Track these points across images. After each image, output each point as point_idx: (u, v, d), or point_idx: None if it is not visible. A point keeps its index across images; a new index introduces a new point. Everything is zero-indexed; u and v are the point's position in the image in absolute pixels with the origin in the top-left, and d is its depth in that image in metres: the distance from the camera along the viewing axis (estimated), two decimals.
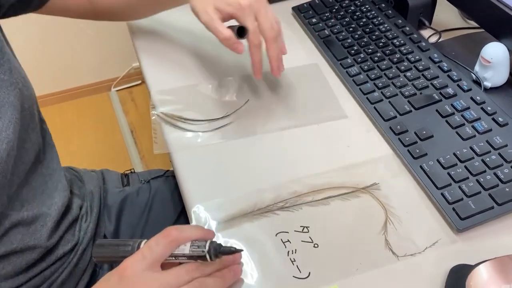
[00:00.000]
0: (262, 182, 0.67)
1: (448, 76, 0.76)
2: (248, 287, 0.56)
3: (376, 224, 0.61)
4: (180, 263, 0.53)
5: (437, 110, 0.71)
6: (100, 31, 2.11)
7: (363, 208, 0.63)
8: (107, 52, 2.20)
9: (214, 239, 0.54)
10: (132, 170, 1.02)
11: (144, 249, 0.52)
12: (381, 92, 0.76)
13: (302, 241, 0.60)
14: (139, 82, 2.35)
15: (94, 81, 2.31)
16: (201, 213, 0.63)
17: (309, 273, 0.57)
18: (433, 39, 0.89)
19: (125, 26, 0.97)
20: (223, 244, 0.53)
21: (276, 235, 0.60)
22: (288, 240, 0.60)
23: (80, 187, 0.86)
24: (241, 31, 0.68)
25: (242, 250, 0.54)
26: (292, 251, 0.59)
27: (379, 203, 0.63)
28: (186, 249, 0.52)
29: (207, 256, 0.51)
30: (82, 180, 0.88)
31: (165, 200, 0.93)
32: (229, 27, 0.67)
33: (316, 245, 0.59)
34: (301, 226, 0.61)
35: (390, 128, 0.70)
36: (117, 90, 2.35)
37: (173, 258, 0.52)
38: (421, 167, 0.65)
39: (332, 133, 0.73)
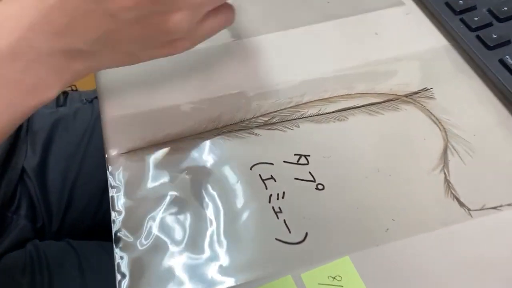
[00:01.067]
0: (233, 87, 0.40)
1: None
2: (197, 259, 0.30)
3: (428, 155, 0.35)
4: None
5: None
6: None
7: (405, 127, 0.36)
8: None
9: None
10: (74, 88, 0.75)
11: None
12: None
13: (296, 178, 0.34)
14: None
15: None
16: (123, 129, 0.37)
17: (306, 234, 0.31)
18: None
19: None
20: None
21: (251, 168, 0.34)
22: (272, 177, 0.34)
23: None
24: None
25: None
26: (278, 195, 0.33)
27: (434, 119, 0.36)
28: None
29: None
30: None
31: None
32: None
33: (320, 187, 0.33)
34: (296, 155, 0.35)
35: (447, 4, 0.43)
36: None
37: None
38: (500, 61, 0.38)
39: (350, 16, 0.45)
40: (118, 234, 0.31)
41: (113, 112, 0.38)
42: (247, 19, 0.44)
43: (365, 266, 0.30)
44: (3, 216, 0.61)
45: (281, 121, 0.37)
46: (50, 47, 0.31)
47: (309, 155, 0.35)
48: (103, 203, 0.65)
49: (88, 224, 0.66)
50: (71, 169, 0.65)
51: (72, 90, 0.73)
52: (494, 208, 0.32)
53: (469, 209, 0.32)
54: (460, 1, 0.42)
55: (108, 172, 0.34)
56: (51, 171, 0.65)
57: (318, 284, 0.29)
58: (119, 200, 0.33)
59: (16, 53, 0.30)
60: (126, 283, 0.29)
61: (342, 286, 0.29)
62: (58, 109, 0.69)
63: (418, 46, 0.41)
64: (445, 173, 0.33)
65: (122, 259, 0.30)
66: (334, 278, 0.29)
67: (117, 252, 0.31)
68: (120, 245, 0.31)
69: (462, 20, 0.41)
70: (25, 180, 0.63)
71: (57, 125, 0.67)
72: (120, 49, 0.33)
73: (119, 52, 0.34)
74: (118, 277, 0.30)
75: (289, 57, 0.41)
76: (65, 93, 0.72)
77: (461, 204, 0.32)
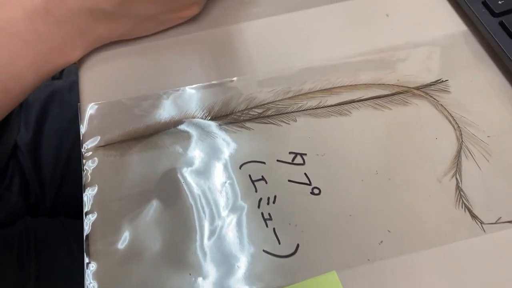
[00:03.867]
0: (226, 74, 0.36)
1: None
2: (178, 271, 0.27)
3: (438, 157, 0.31)
4: None
5: None
6: None
7: (414, 124, 0.32)
8: None
9: None
10: None
11: None
12: None
13: (289, 181, 0.30)
14: None
15: None
16: (102, 118, 0.34)
17: (297, 246, 0.28)
18: None
19: None
20: None
21: (240, 167, 0.31)
22: (263, 178, 0.31)
23: None
24: None
25: None
26: (268, 199, 0.30)
27: (447, 116, 0.33)
28: None
29: None
30: None
31: None
32: None
33: (316, 191, 0.30)
34: (291, 153, 0.32)
35: None
36: None
37: None
38: None
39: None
40: (91, 238, 0.29)
41: (91, 98, 0.35)
42: (244, 2, 0.40)
43: (353, 284, 0.26)
44: None
45: (277, 114, 0.33)
46: (79, 5, 0.33)
47: (305, 154, 0.31)
48: None
49: (82, 202, 0.64)
50: (65, 144, 0.63)
51: None
52: (511, 222, 0.28)
53: (482, 222, 0.28)
54: None
55: (82, 168, 0.31)
56: (45, 146, 0.62)
57: None
58: (93, 200, 0.30)
59: (48, 8, 0.32)
60: None
61: None
62: (53, 82, 0.66)
63: (433, 31, 0.37)
64: (457, 180, 0.30)
65: (92, 268, 0.28)
66: None
67: (87, 260, 0.28)
68: (91, 251, 0.28)
69: (484, 4, 0.36)
70: (18, 155, 0.61)
71: (51, 98, 0.64)
72: (142, 12, 0.35)
73: (141, 16, 0.35)
74: None
75: (289, 42, 0.37)
76: None
77: (474, 216, 0.28)
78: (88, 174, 0.31)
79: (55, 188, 0.62)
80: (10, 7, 0.31)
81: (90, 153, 0.32)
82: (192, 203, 0.30)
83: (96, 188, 0.30)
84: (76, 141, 0.63)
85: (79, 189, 0.64)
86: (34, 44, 0.32)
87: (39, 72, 0.33)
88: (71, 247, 0.57)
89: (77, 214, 0.62)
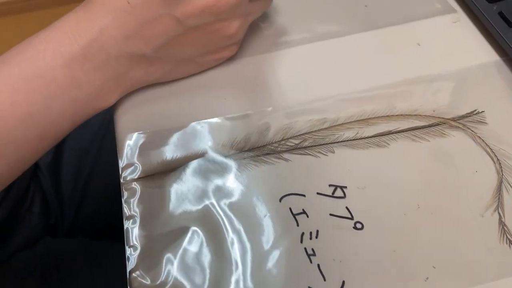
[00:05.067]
0: (262, 104, 0.36)
1: None
2: None
3: (480, 191, 0.31)
4: None
5: None
6: None
7: (453, 157, 0.32)
8: None
9: None
10: None
11: None
12: None
13: (331, 214, 0.30)
14: None
15: None
16: (140, 149, 0.34)
17: (343, 283, 0.28)
18: None
19: None
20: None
21: (280, 201, 0.31)
22: (304, 212, 0.30)
23: None
24: None
25: None
26: (311, 234, 0.30)
27: (485, 148, 0.33)
28: None
29: None
30: None
31: None
32: None
33: (358, 225, 0.30)
34: (330, 186, 0.32)
35: (501, 14, 0.38)
36: None
37: None
38: None
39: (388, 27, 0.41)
40: (133, 274, 0.28)
41: (129, 129, 0.35)
42: (277, 29, 0.40)
43: None
44: (16, 214, 0.59)
45: (314, 145, 0.33)
46: (118, 50, 0.32)
47: (345, 187, 0.31)
48: (116, 202, 0.63)
49: (101, 222, 0.64)
50: (84, 165, 0.63)
51: None
52: None
53: None
54: None
55: (122, 200, 0.31)
56: (65, 166, 0.62)
57: None
58: (135, 234, 0.30)
59: (87, 54, 0.31)
60: None
61: None
62: None
63: (466, 60, 0.37)
64: (499, 214, 0.30)
65: None
66: None
67: None
68: (133, 286, 0.28)
69: None
70: (39, 175, 0.61)
71: None
72: (181, 55, 0.35)
73: (178, 59, 0.35)
74: None
75: (323, 71, 0.37)
76: None
77: None
78: (128, 206, 0.31)
79: (75, 208, 0.62)
80: (49, 55, 0.31)
81: (129, 184, 0.32)
82: (234, 237, 0.30)
83: (138, 221, 0.30)
84: (95, 161, 0.63)
85: (98, 209, 0.64)
86: (71, 91, 0.32)
87: (74, 117, 0.33)
88: (91, 267, 0.57)
89: (96, 234, 0.63)
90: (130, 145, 0.34)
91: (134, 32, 0.32)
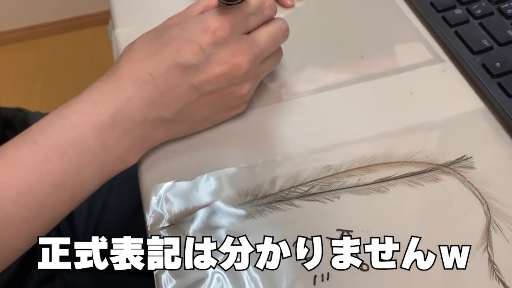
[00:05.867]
0: (272, 153, 0.40)
1: None
2: None
3: (470, 232, 0.35)
4: None
5: None
6: None
7: (445, 201, 0.36)
8: None
9: None
10: None
11: None
12: (467, 9, 0.47)
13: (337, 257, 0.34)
14: None
15: (91, 11, 1.98)
16: (165, 199, 0.37)
17: None
18: None
19: None
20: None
21: (293, 245, 0.35)
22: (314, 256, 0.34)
23: None
24: None
25: None
26: (322, 276, 0.33)
27: (474, 191, 0.36)
28: None
29: None
30: None
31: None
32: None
33: (365, 267, 0.33)
34: (338, 230, 0.35)
35: (484, 66, 0.42)
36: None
37: None
38: None
39: (384, 76, 0.45)
40: None
41: (152, 179, 0.38)
42: (277, 84, 0.44)
43: None
44: (35, 249, 0.61)
45: (321, 192, 0.37)
46: (143, 117, 0.36)
47: (351, 231, 0.35)
48: (128, 234, 0.66)
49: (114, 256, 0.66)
50: (97, 203, 0.66)
51: None
52: None
53: None
54: (498, 64, 0.41)
55: (148, 247, 0.35)
56: (76, 225, 0.66)
57: None
58: (168, 284, 0.33)
59: (115, 122, 0.35)
60: None
61: None
62: None
63: (455, 108, 0.41)
64: (489, 253, 0.34)
65: None
66: None
67: None
68: None
69: (499, 84, 0.40)
70: None
71: None
72: (197, 116, 0.39)
73: (195, 119, 0.39)
74: None
75: (325, 120, 0.41)
76: None
77: (506, 286, 0.32)
78: (156, 255, 0.34)
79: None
80: (81, 125, 0.34)
81: (156, 233, 0.35)
82: (252, 284, 0.33)
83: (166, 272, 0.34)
84: (106, 197, 0.66)
85: (110, 244, 0.67)
86: (100, 156, 0.35)
87: (102, 178, 0.37)
88: None
89: (108, 268, 0.65)
90: (154, 194, 0.37)
91: (155, 100, 0.36)
